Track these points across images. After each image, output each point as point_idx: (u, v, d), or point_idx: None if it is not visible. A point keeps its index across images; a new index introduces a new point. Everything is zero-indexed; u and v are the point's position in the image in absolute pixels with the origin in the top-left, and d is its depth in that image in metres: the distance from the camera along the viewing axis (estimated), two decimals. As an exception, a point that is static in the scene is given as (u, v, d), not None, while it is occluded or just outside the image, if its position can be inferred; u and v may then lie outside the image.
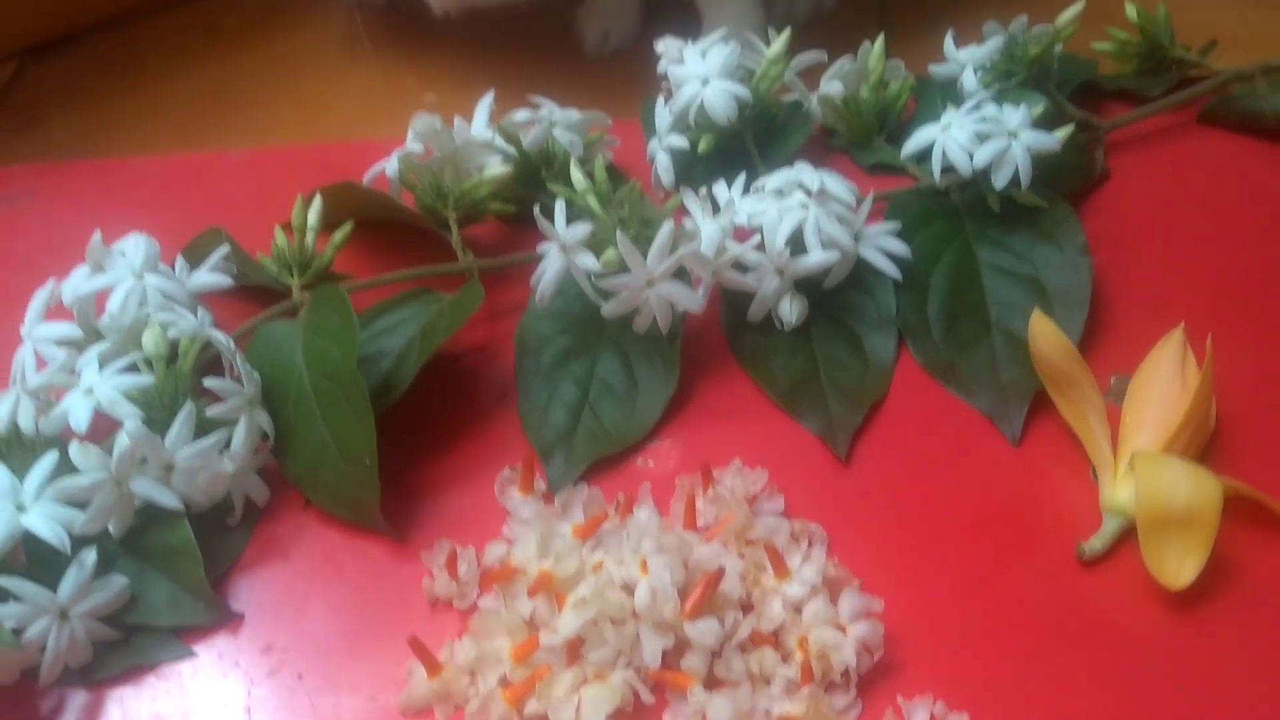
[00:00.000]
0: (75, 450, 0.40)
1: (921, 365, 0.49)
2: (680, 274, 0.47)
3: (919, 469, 0.45)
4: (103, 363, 0.43)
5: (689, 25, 0.65)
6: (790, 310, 0.49)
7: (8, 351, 0.47)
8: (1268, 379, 0.48)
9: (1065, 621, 0.40)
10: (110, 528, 0.41)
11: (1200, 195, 0.56)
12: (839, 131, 0.59)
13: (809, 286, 0.50)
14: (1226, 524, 0.41)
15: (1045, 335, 0.45)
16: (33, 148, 0.66)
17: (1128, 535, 0.42)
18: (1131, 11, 0.61)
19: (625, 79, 0.66)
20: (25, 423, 0.42)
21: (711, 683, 0.38)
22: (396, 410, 0.46)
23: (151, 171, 0.61)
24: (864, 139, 0.58)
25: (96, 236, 0.46)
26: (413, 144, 0.51)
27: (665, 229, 0.45)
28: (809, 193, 0.49)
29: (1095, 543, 0.42)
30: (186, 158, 0.62)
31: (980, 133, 0.50)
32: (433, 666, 0.39)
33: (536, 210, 0.46)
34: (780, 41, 0.56)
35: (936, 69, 0.58)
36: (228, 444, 0.42)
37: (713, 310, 0.51)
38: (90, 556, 0.40)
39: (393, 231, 0.54)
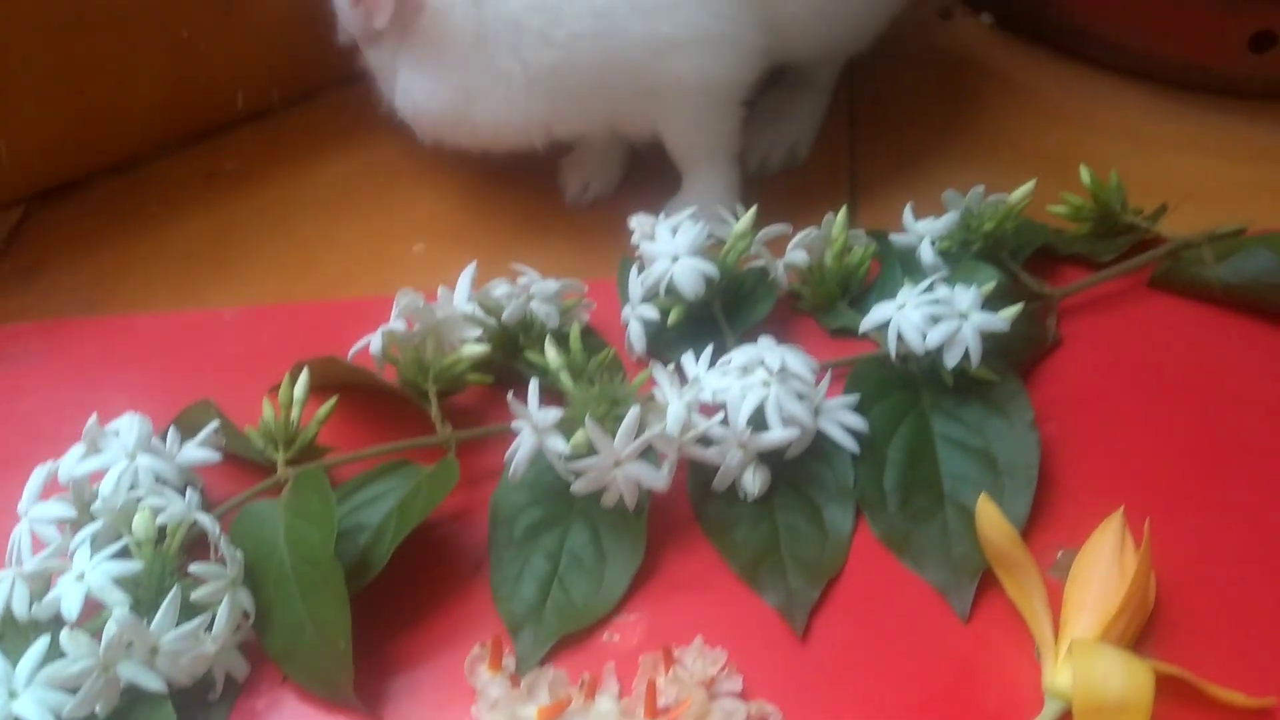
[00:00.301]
0: (66, 638, 0.42)
1: (878, 537, 0.51)
2: (647, 453, 0.49)
3: (873, 645, 0.47)
4: (95, 545, 0.45)
5: (669, 178, 0.68)
6: (753, 482, 0.51)
7: (4, 519, 0.49)
8: (1208, 553, 0.50)
9: (1007, 805, 0.42)
10: (97, 709, 0.43)
11: (1149, 362, 0.59)
12: (804, 296, 0.61)
13: (772, 457, 0.52)
14: (1162, 704, 0.43)
15: (990, 520, 0.47)
16: (36, 295, 0.69)
17: (1068, 718, 0.44)
18: (1085, 176, 0.64)
19: (606, 229, 0.68)
20: (19, 609, 0.44)
21: None
22: (372, 584, 0.48)
23: (148, 330, 0.64)
24: (828, 304, 0.61)
25: (93, 419, 0.49)
26: (396, 321, 0.54)
27: (632, 413, 0.48)
28: (771, 371, 0.51)
29: (1037, 726, 0.43)
30: (182, 316, 0.65)
31: (933, 314, 0.53)
32: None
33: (510, 396, 0.49)
34: (748, 217, 0.59)
35: (896, 238, 0.61)
36: (210, 623, 0.45)
37: (680, 476, 0.53)
38: (77, 739, 0.42)
39: (375, 400, 0.56)
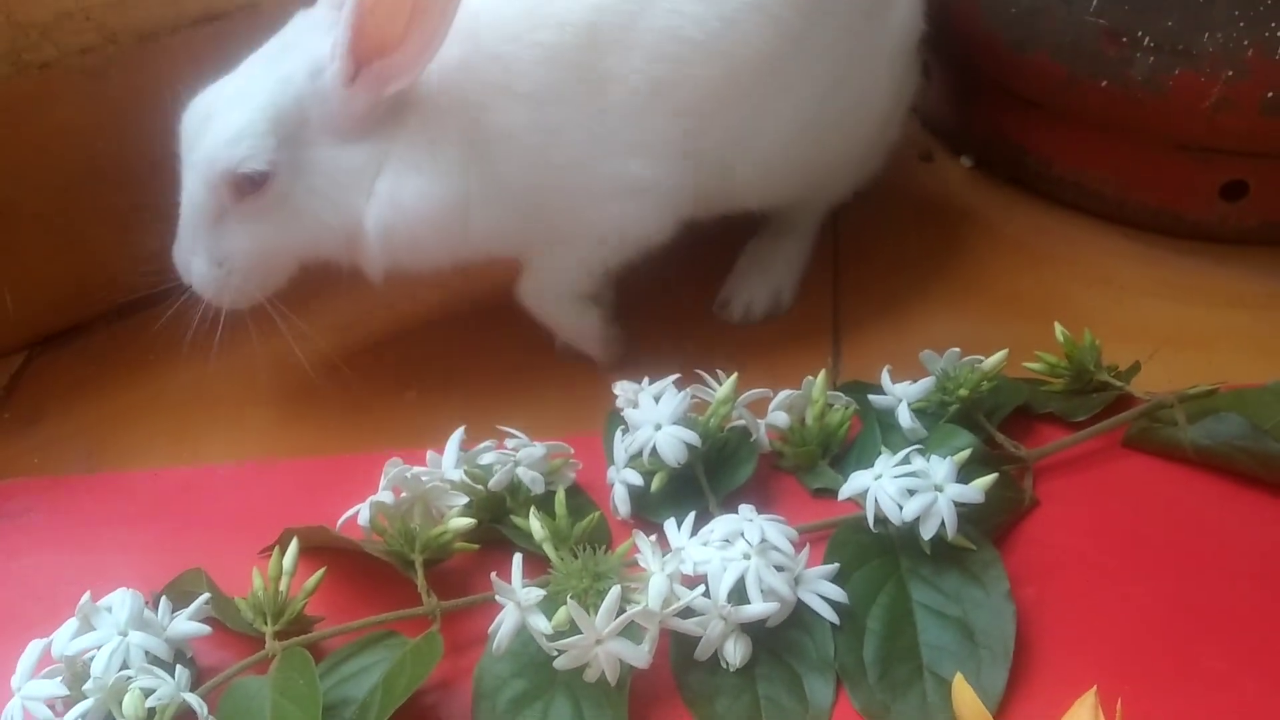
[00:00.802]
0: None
1: (858, 710, 0.52)
2: (630, 627, 0.50)
3: (852, 827, 0.48)
4: (84, 726, 0.46)
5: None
6: (734, 652, 0.52)
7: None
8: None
9: None
10: None
11: (1125, 523, 0.60)
12: (786, 455, 0.63)
13: (753, 626, 0.53)
14: None
15: (964, 701, 0.48)
16: (35, 444, 0.71)
17: None
18: (1059, 334, 0.66)
19: (593, 383, 0.70)
20: (9, 797, 0.45)
21: None
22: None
23: (143, 488, 0.65)
24: (809, 463, 0.62)
25: (86, 597, 0.50)
26: (384, 493, 0.55)
27: (613, 593, 0.49)
28: (750, 544, 0.53)
29: None
30: (176, 473, 0.66)
31: (909, 487, 0.54)
32: None
33: (494, 576, 0.50)
34: (729, 383, 0.61)
35: (875, 399, 0.63)
36: (196, 806, 0.45)
37: (662, 644, 0.54)
38: None
39: (362, 567, 0.57)
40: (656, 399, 0.59)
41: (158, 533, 0.61)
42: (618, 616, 0.49)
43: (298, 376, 0.74)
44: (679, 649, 0.54)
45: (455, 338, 0.77)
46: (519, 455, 0.58)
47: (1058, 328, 0.66)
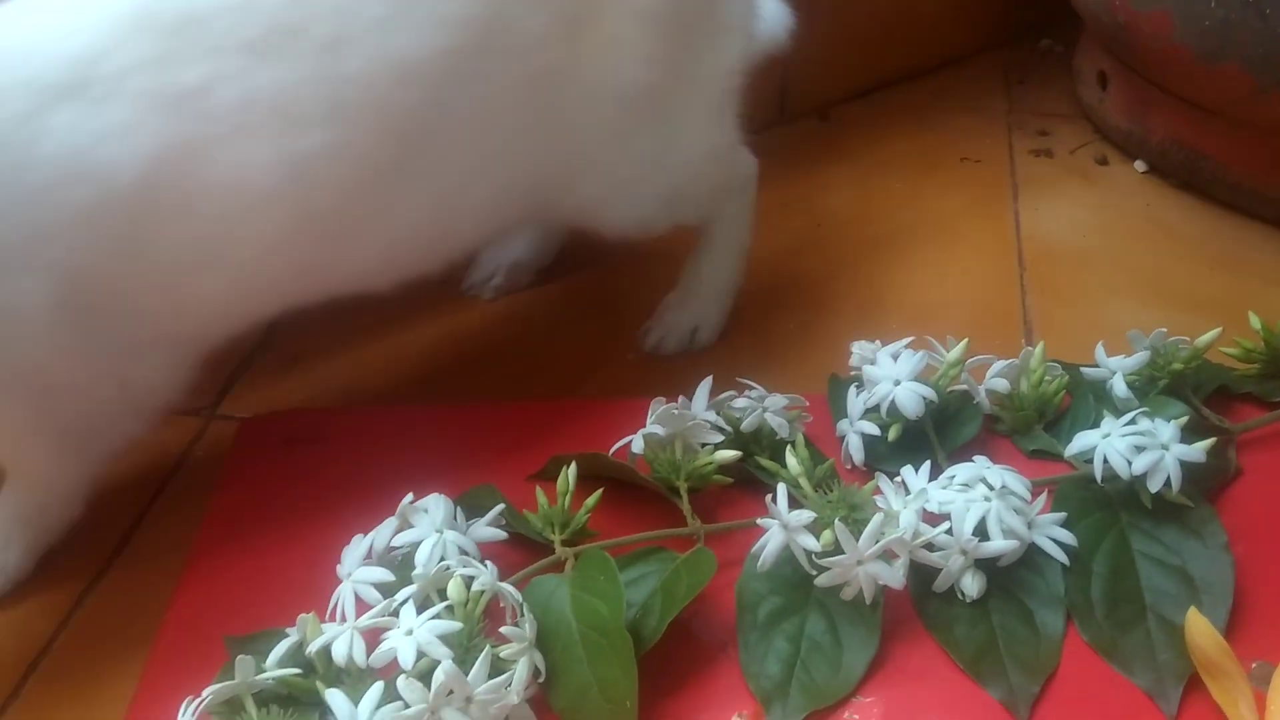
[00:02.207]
0: (403, 685, 0.49)
1: (1087, 641, 0.57)
2: (883, 553, 0.56)
3: (1090, 736, 0.53)
4: (415, 607, 0.52)
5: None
6: (972, 584, 0.57)
7: (305, 575, 0.57)
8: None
9: None
10: (420, 749, 0.50)
11: (1322, 494, 0.64)
12: (1003, 420, 0.68)
13: (987, 563, 0.58)
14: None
15: (1201, 631, 0.53)
16: (296, 384, 0.78)
17: (1278, 812, 0.49)
18: (1255, 321, 0.70)
19: (814, 352, 0.76)
20: (359, 658, 0.51)
21: None
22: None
23: (413, 420, 0.72)
24: (1025, 428, 0.67)
25: (408, 499, 0.57)
26: (653, 426, 0.61)
27: (876, 520, 0.54)
28: (992, 488, 0.58)
29: (1249, 819, 0.49)
30: (441, 410, 0.73)
31: (1137, 444, 0.59)
32: None
33: (768, 499, 0.56)
34: (960, 347, 0.66)
35: (1087, 370, 0.68)
36: (510, 679, 0.51)
37: (903, 579, 0.59)
38: (407, 773, 0.49)
39: (629, 491, 0.63)
40: (894, 358, 0.64)
41: (436, 460, 0.67)
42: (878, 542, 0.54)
43: (528, 332, 0.81)
44: (917, 581, 0.59)
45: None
46: (766, 402, 0.64)
47: (1252, 315, 0.71)
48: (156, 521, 0.67)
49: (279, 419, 0.72)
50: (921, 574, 0.58)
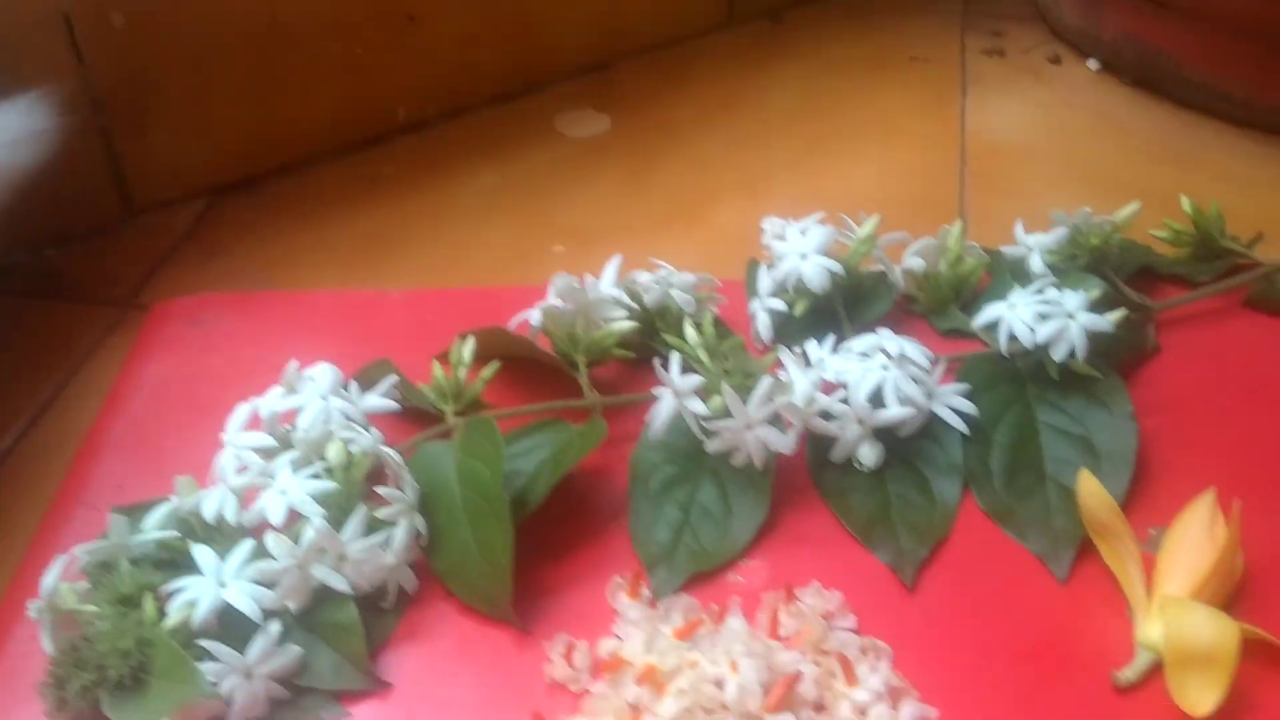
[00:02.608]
0: (271, 540, 0.49)
1: (983, 509, 0.56)
2: (775, 419, 0.55)
3: (976, 600, 0.52)
4: (293, 469, 0.52)
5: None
6: (869, 454, 0.56)
7: (199, 450, 0.57)
8: (1293, 540, 0.54)
9: (1098, 741, 0.46)
10: (291, 605, 0.49)
11: (1243, 373, 0.63)
12: (918, 299, 0.67)
13: (886, 434, 0.57)
14: (1250, 665, 0.47)
15: (1091, 491, 0.52)
16: (219, 273, 0.77)
17: (1157, 668, 0.48)
18: (1186, 204, 0.69)
19: (735, 237, 0.75)
20: (230, 515, 0.51)
21: (787, 770, 0.45)
22: (525, 521, 0.54)
23: (323, 304, 0.71)
24: (940, 307, 0.66)
25: (292, 365, 0.56)
26: (553, 299, 0.60)
27: (765, 382, 0.53)
28: (890, 356, 0.57)
29: (1128, 673, 0.48)
30: (353, 294, 0.72)
31: (1042, 313, 0.58)
32: (550, 738, 0.46)
33: (657, 363, 0.55)
34: (871, 223, 0.65)
35: (1006, 249, 0.66)
36: (389, 540, 0.51)
37: (799, 449, 0.58)
38: (275, 627, 0.48)
39: (529, 368, 0.62)
40: (803, 233, 0.63)
41: (339, 341, 0.67)
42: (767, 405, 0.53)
43: (454, 231, 0.80)
44: (815, 451, 0.58)
45: (601, 200, 0.82)
46: (671, 279, 0.63)
47: (1183, 199, 0.69)
48: (64, 410, 0.67)
49: (185, 304, 0.71)
50: (820, 445, 0.58)
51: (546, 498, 0.54)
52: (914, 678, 0.48)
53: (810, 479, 0.58)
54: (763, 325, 0.63)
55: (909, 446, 0.58)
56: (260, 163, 0.85)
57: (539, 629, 0.51)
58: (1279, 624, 0.49)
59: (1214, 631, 0.46)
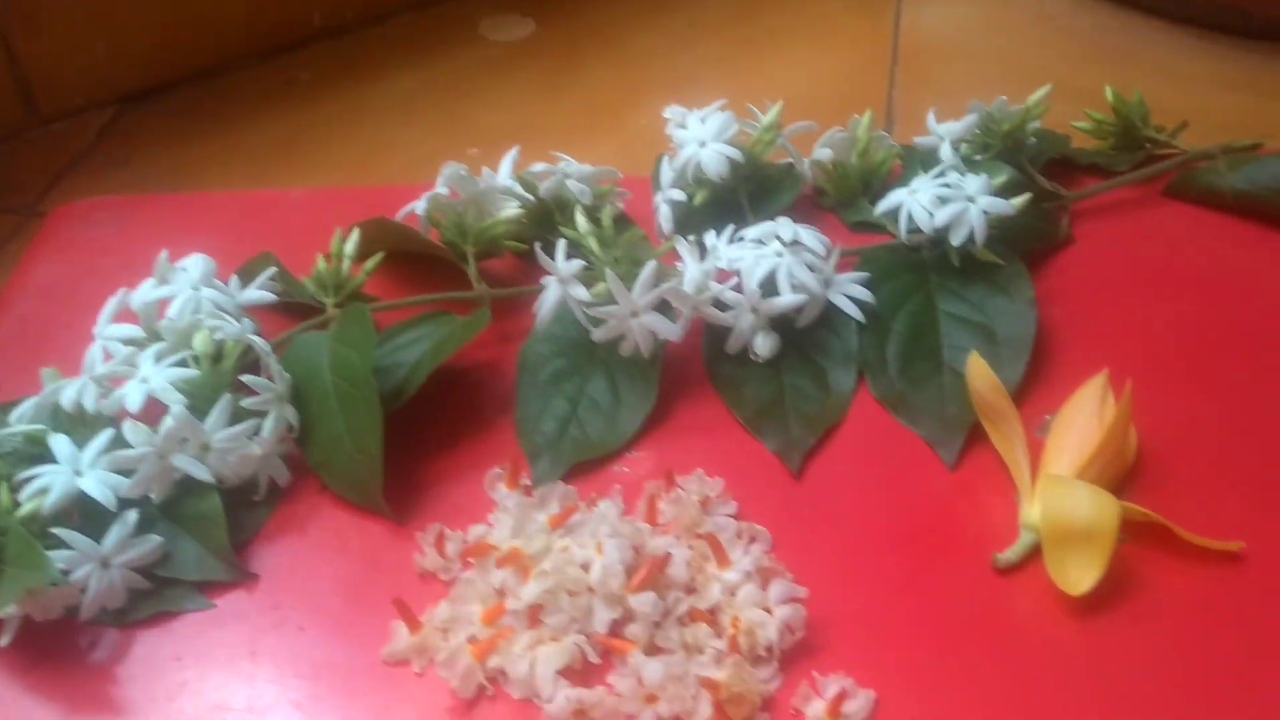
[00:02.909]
0: (128, 427, 0.47)
1: (876, 398, 0.54)
2: (665, 308, 0.53)
3: (863, 486, 0.51)
4: (159, 359, 0.50)
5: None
6: (763, 344, 0.55)
7: (79, 348, 0.55)
8: (1192, 425, 0.52)
9: (975, 620, 0.45)
10: (152, 494, 0.48)
11: (1157, 263, 0.61)
12: (828, 192, 0.65)
13: (783, 325, 0.56)
14: (1138, 546, 0.46)
15: (979, 374, 0.50)
16: (126, 181, 0.75)
17: (1041, 551, 0.46)
18: (1109, 94, 0.67)
19: (651, 135, 0.72)
20: (88, 403, 0.49)
21: (652, 650, 0.44)
22: (410, 414, 0.52)
23: (221, 205, 0.69)
24: (850, 200, 0.64)
25: (163, 254, 0.54)
26: (441, 187, 0.58)
27: (649, 266, 0.52)
28: (784, 243, 0.55)
29: (1009, 554, 0.46)
30: (253, 194, 0.70)
31: (942, 196, 0.56)
32: (413, 624, 0.45)
33: (539, 248, 0.53)
34: (774, 110, 0.63)
35: (919, 140, 0.64)
36: (258, 431, 0.49)
37: (695, 340, 0.57)
38: (132, 516, 0.47)
39: (419, 263, 0.61)
40: (703, 120, 0.61)
41: (234, 241, 0.64)
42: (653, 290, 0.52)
43: (369, 134, 0.78)
44: (710, 343, 0.56)
45: (517, 105, 0.80)
46: (568, 169, 0.61)
47: (1108, 89, 0.67)
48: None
49: (82, 207, 0.69)
50: (716, 337, 0.56)
51: (426, 388, 0.52)
52: (792, 561, 0.47)
53: (705, 372, 0.56)
54: (664, 217, 0.61)
55: (806, 337, 0.56)
56: (172, 69, 0.83)
57: (414, 520, 0.50)
58: (1171, 508, 0.48)
59: (1092, 508, 0.45)
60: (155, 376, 0.49)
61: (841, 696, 0.42)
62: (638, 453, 0.53)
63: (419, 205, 0.58)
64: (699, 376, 0.56)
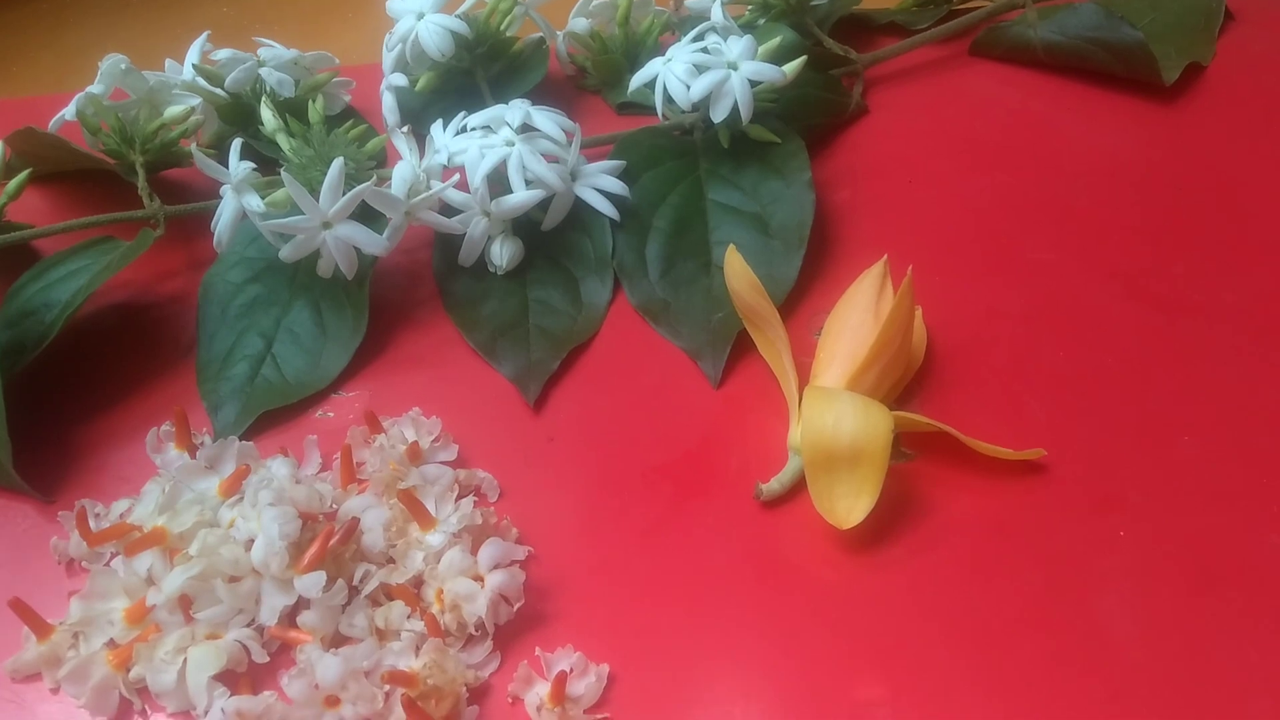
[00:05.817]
0: None
1: (635, 307, 0.46)
2: (374, 218, 0.44)
3: (614, 414, 0.43)
4: None
5: None
6: (500, 253, 0.46)
7: None
8: (990, 319, 0.45)
9: (735, 567, 0.37)
10: None
11: (961, 132, 0.54)
12: (590, 71, 0.56)
13: (527, 229, 0.47)
14: (927, 463, 0.39)
15: (736, 270, 0.42)
16: None
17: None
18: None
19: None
20: None
21: (337, 641, 0.35)
22: (67, 365, 0.43)
23: None
24: (614, 78, 0.55)
25: None
26: (96, 86, 0.48)
27: (334, 167, 0.42)
28: (514, 129, 0.46)
29: (773, 484, 0.39)
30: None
31: (699, 64, 0.47)
32: (41, 630, 0.36)
33: (194, 148, 0.43)
34: (510, -27, 0.53)
35: (692, 3, 0.55)
36: None
37: (427, 255, 0.48)
38: None
39: (91, 182, 0.50)
40: (424, -11, 0.51)
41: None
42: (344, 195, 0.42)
43: (74, 32, 0.67)
44: (443, 257, 0.48)
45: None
46: (263, 55, 0.51)
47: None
48: None
49: None
50: (448, 248, 0.47)
51: (91, 333, 0.44)
52: (522, 512, 0.39)
53: (439, 291, 0.47)
54: (388, 108, 0.52)
55: (555, 241, 0.48)
56: None
57: (68, 496, 0.41)
58: (964, 416, 0.41)
59: (858, 424, 0.37)
60: None
61: (564, 678, 0.34)
62: (347, 393, 0.44)
63: (68, 110, 0.48)
64: (429, 296, 0.47)
